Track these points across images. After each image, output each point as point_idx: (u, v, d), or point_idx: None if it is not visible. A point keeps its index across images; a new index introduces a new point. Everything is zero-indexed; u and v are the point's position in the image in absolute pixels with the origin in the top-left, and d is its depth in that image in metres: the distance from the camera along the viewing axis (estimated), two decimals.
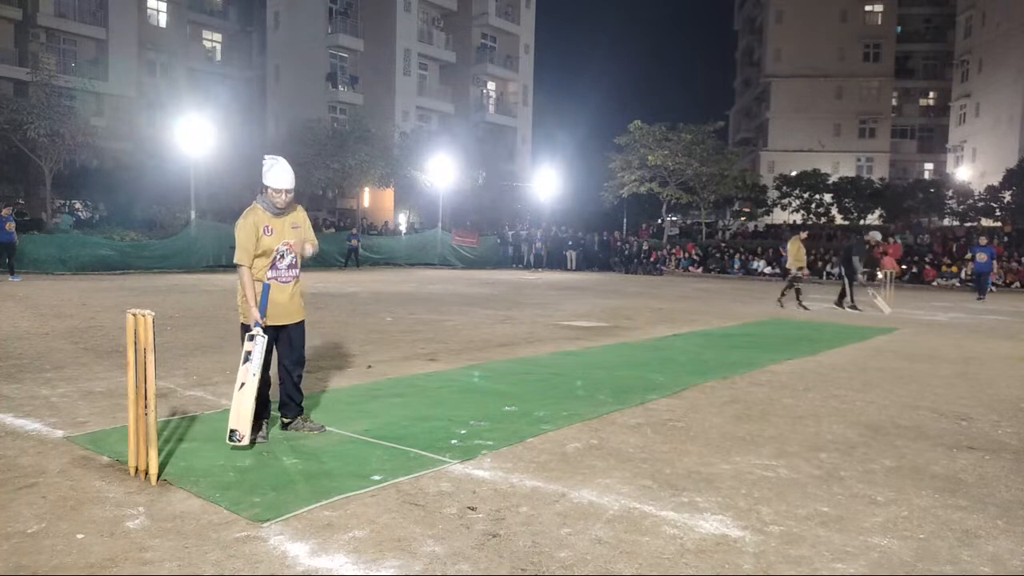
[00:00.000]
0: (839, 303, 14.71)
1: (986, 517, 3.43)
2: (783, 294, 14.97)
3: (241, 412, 4.00)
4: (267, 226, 4.20)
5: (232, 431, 4.01)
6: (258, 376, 4.04)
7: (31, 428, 4.56)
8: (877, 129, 49.94)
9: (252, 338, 4.08)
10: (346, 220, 34.37)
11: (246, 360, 4.03)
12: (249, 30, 41.63)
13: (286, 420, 4.48)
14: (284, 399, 4.47)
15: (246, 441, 4.02)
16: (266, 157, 4.28)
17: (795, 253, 14.71)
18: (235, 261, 4.14)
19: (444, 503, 3.42)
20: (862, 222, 34.77)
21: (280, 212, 4.26)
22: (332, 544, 2.95)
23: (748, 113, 58.17)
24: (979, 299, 18.12)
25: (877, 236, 16.64)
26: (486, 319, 11.25)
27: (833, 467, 4.13)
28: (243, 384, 4.01)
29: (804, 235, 15.49)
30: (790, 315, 13.16)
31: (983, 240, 19.39)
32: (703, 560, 2.89)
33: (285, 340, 4.38)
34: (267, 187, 4.22)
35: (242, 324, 4.27)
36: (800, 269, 14.75)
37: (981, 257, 18.47)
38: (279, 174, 4.21)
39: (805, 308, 14.30)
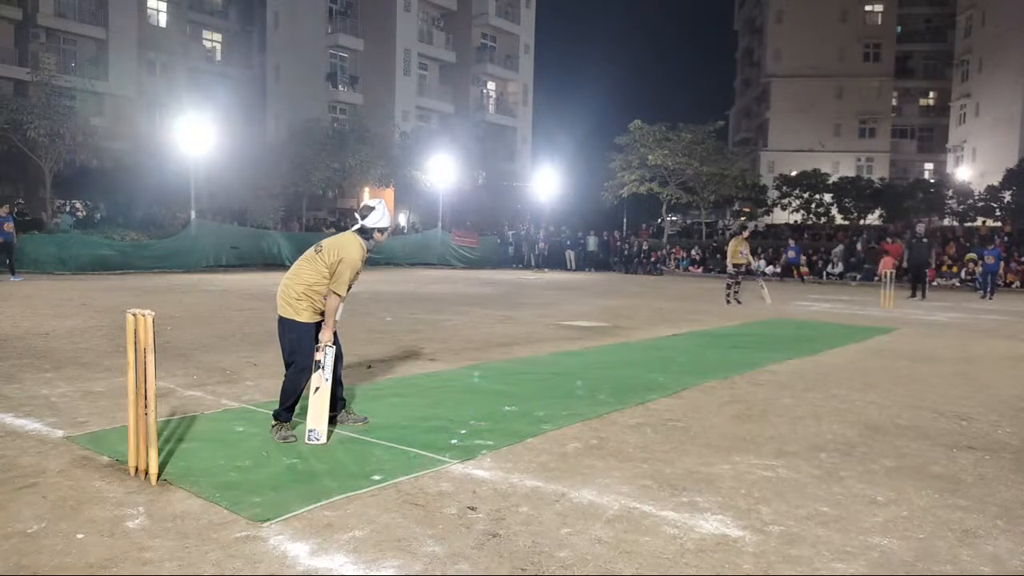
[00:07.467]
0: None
1: (986, 517, 3.43)
2: (730, 293, 15.22)
3: (318, 413, 4.34)
4: (364, 260, 4.54)
5: (310, 431, 4.32)
6: (330, 380, 4.40)
7: (31, 428, 4.56)
8: (877, 129, 49.94)
9: (319, 349, 4.41)
10: (346, 220, 34.34)
11: (317, 368, 4.39)
12: (249, 30, 41.56)
13: (331, 414, 4.67)
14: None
15: (324, 439, 4.31)
16: (374, 203, 4.55)
17: (730, 251, 15.26)
18: (336, 293, 4.35)
19: (444, 503, 3.43)
20: (862, 222, 34.78)
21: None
22: (332, 544, 2.95)
23: (748, 113, 58.16)
24: (983, 297, 18.96)
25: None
26: (486, 319, 11.25)
27: (833, 467, 4.13)
28: (318, 388, 4.35)
29: (746, 234, 16.04)
30: (790, 315, 13.16)
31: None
32: (703, 560, 2.89)
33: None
34: (375, 229, 4.51)
35: (285, 318, 4.41)
36: (736, 266, 15.15)
37: (989, 259, 19.32)
38: (389, 217, 4.58)
39: (738, 303, 14.79)
